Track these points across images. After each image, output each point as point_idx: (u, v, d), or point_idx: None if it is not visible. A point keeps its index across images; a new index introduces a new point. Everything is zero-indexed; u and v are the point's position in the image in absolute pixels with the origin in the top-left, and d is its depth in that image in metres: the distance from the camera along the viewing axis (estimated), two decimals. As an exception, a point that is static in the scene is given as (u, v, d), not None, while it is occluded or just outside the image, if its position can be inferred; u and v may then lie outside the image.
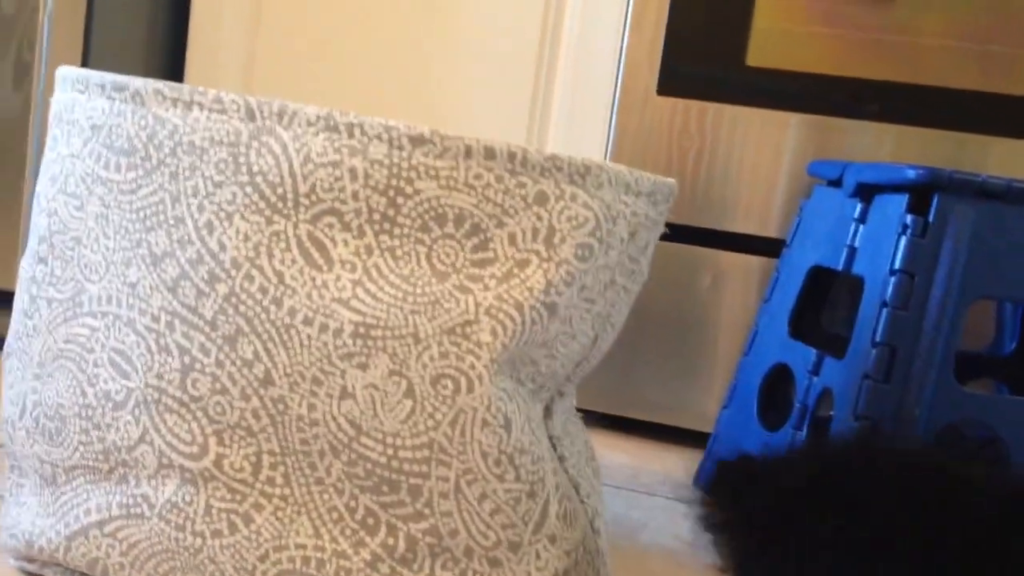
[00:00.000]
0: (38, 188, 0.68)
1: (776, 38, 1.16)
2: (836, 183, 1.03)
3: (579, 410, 1.29)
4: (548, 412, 0.67)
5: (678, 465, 1.17)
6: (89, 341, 0.63)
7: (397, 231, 0.56)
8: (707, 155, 1.19)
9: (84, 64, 1.22)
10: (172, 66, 1.43)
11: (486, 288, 0.56)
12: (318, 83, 1.37)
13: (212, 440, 0.59)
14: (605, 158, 1.24)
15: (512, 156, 0.56)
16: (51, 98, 0.67)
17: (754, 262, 1.20)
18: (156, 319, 0.60)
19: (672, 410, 1.24)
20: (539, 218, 0.56)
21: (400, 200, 0.56)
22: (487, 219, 0.56)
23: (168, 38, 1.41)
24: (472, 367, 0.56)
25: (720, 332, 1.21)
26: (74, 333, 0.64)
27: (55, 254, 0.66)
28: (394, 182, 0.56)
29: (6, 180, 1.17)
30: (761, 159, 1.18)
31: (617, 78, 1.23)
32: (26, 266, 0.69)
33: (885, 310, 0.88)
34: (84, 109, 0.63)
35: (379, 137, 0.56)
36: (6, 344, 0.72)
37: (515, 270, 0.56)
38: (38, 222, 0.67)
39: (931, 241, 0.87)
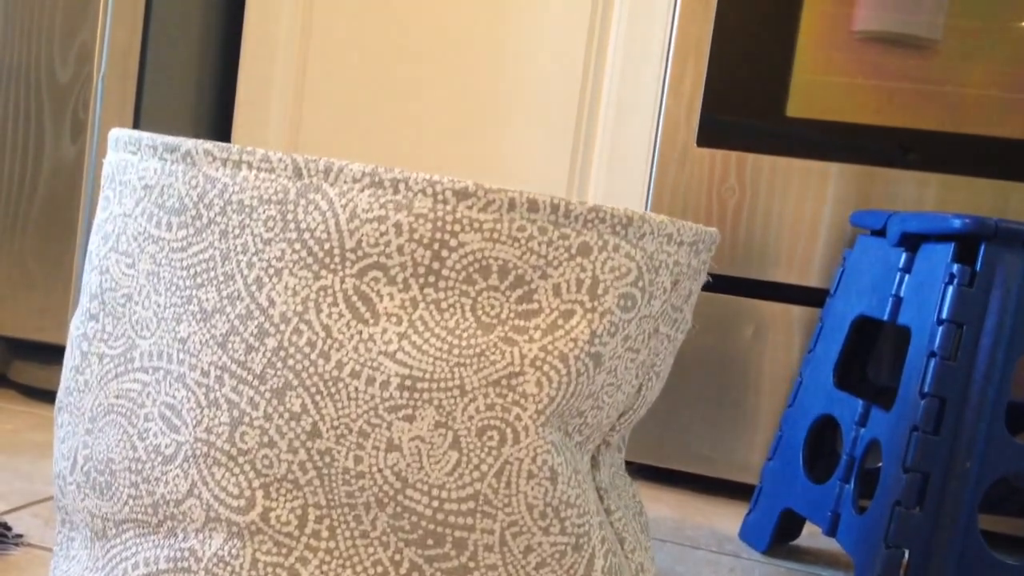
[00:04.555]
0: (90, 247, 0.70)
1: (816, 89, 1.16)
2: (880, 233, 1.02)
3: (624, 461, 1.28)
4: (595, 463, 0.67)
5: (723, 518, 1.16)
6: (140, 396, 0.64)
7: (442, 284, 0.57)
8: (748, 205, 1.19)
9: (135, 124, 1.25)
10: (220, 127, 1.45)
11: (531, 340, 0.56)
12: (363, 143, 1.39)
13: (259, 493, 0.60)
14: (645, 208, 1.24)
15: (555, 208, 0.56)
16: (103, 159, 0.68)
17: (797, 312, 1.19)
18: (206, 374, 0.61)
19: (716, 462, 1.23)
20: (583, 269, 0.57)
21: (444, 253, 0.57)
22: (531, 271, 0.57)
23: (216, 100, 1.44)
24: (518, 418, 0.56)
25: (764, 383, 1.20)
26: (125, 388, 0.65)
27: (106, 311, 0.67)
28: (438, 235, 0.56)
29: (60, 237, 1.20)
30: (803, 209, 1.18)
31: (657, 129, 1.23)
32: (77, 323, 0.70)
33: (933, 361, 0.87)
34: (136, 170, 0.64)
35: (423, 192, 0.56)
36: (57, 399, 0.73)
37: (560, 321, 0.57)
38: (89, 280, 0.69)
39: (979, 291, 0.87)
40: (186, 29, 1.35)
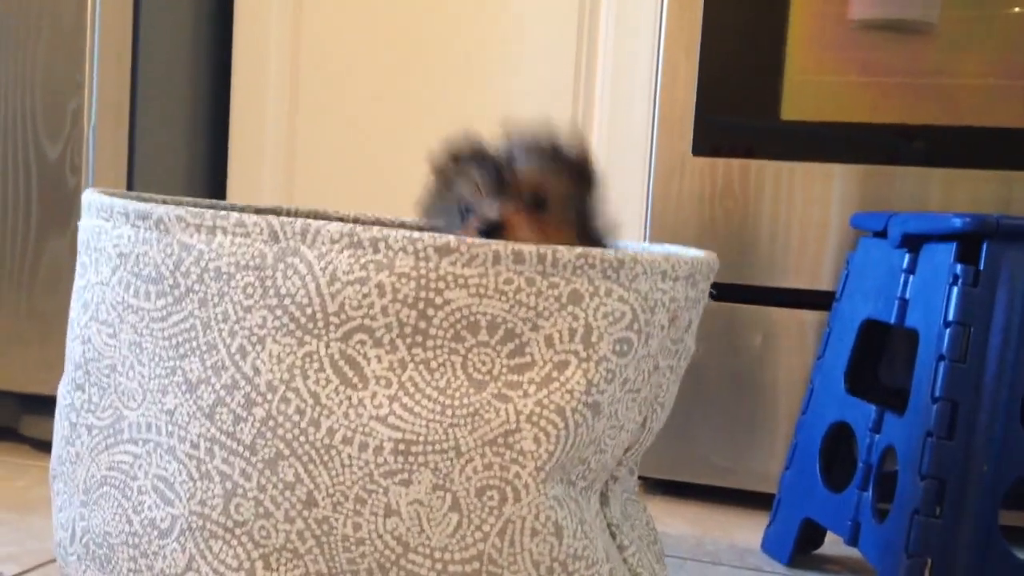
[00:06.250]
0: (71, 315, 0.68)
1: (810, 90, 1.14)
2: (881, 234, 1.00)
3: (638, 477, 1.26)
4: (604, 499, 0.65)
5: (743, 530, 1.14)
6: (132, 468, 0.63)
7: (430, 343, 0.55)
8: (751, 212, 1.17)
9: (129, 184, 1.23)
10: (215, 183, 1.44)
11: (526, 395, 0.55)
12: (357, 183, 1.37)
13: (259, 564, 0.58)
14: (646, 224, 1.22)
15: (542, 258, 0.54)
16: (78, 223, 0.67)
17: (808, 317, 1.17)
18: (196, 446, 0.59)
19: (733, 472, 1.21)
20: (575, 317, 0.55)
21: (430, 312, 0.55)
22: (521, 323, 0.55)
23: (209, 156, 1.43)
24: (517, 476, 0.54)
25: (779, 389, 1.19)
26: (116, 460, 0.64)
27: (91, 381, 0.65)
28: (423, 294, 0.55)
29: (66, 290, 1.19)
30: (807, 213, 1.15)
31: (651, 143, 1.21)
32: (64, 392, 0.69)
33: (943, 363, 0.86)
34: (110, 237, 0.63)
35: (404, 249, 0.55)
36: (51, 467, 0.71)
37: (554, 373, 0.55)
38: (73, 348, 0.67)
39: (984, 290, 0.85)
40: (175, 82, 1.34)
